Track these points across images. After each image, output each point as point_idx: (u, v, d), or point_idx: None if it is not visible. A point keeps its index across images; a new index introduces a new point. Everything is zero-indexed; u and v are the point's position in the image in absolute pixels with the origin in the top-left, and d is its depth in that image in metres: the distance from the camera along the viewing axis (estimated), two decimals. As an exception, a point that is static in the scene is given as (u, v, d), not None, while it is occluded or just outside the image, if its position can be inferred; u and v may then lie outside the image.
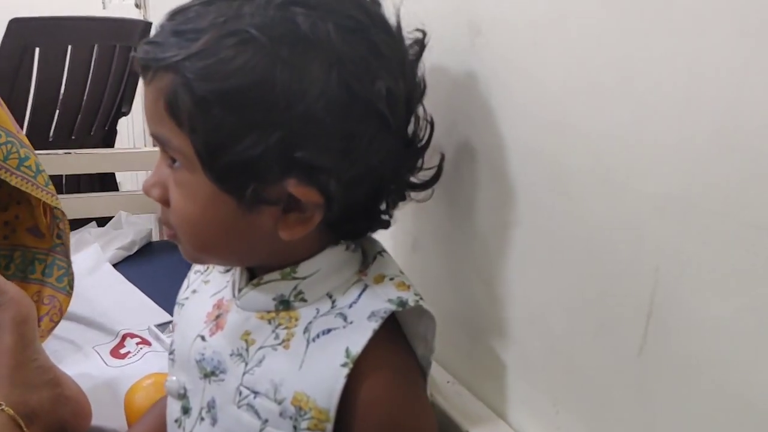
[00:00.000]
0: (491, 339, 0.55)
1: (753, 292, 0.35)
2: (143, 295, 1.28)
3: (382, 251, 0.52)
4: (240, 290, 0.52)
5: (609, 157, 0.42)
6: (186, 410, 0.55)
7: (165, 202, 0.48)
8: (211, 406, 0.52)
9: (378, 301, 0.47)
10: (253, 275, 0.52)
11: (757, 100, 0.33)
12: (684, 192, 0.37)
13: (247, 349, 0.50)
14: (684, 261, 0.38)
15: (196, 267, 0.62)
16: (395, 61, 0.46)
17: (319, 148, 0.43)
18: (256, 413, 0.48)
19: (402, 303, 0.47)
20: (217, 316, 0.54)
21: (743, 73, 0.34)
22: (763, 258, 0.34)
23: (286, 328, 0.49)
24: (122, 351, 1.06)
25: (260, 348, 0.49)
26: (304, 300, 0.49)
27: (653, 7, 0.39)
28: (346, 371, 0.45)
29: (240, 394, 0.50)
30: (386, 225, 0.51)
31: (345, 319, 0.47)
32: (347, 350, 0.46)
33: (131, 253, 1.50)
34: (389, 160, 0.47)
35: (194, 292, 0.60)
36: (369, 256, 0.52)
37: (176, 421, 0.56)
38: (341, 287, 0.49)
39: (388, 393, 0.47)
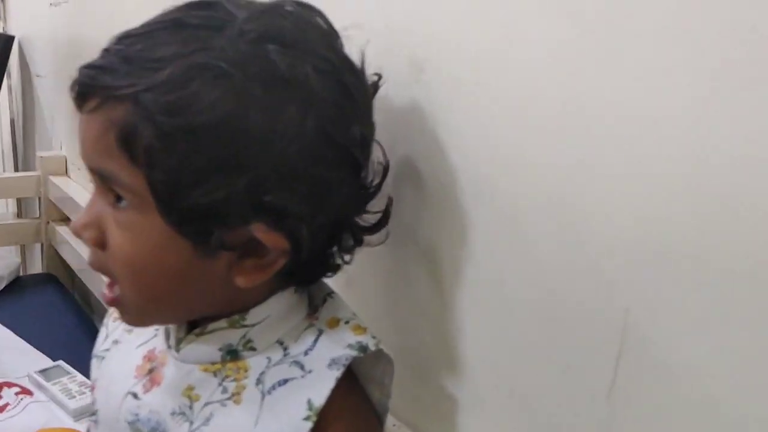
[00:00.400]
0: (439, 379, 0.53)
1: (725, 335, 0.35)
2: (17, 337, 1.17)
3: (330, 293, 0.50)
4: (179, 341, 0.48)
5: (569, 198, 0.42)
6: None
7: (100, 245, 0.44)
8: None
9: (337, 347, 0.45)
10: (192, 324, 0.48)
11: (722, 139, 0.34)
12: (652, 236, 0.37)
13: (191, 407, 0.46)
14: (655, 303, 0.38)
15: (116, 314, 0.57)
16: (364, 104, 0.45)
17: (290, 192, 0.41)
18: None
19: (362, 348, 0.45)
20: (150, 370, 0.49)
21: (705, 111, 0.35)
22: (735, 300, 0.35)
23: (235, 380, 0.46)
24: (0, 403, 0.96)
25: (206, 404, 0.46)
26: (253, 348, 0.46)
27: (605, 38, 0.39)
28: (309, 425, 0.43)
29: None
30: (336, 269, 0.49)
31: (302, 368, 0.45)
32: (309, 402, 0.43)
33: (-1, 289, 1.37)
34: (350, 205, 0.46)
35: (115, 342, 0.55)
36: (317, 299, 0.49)
37: None
38: (292, 333, 0.47)
39: None
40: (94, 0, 1.28)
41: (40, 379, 1.00)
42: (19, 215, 1.69)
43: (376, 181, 0.48)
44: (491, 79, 0.46)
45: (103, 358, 0.55)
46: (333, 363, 0.45)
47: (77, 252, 1.36)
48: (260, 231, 0.41)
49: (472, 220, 0.49)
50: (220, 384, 0.46)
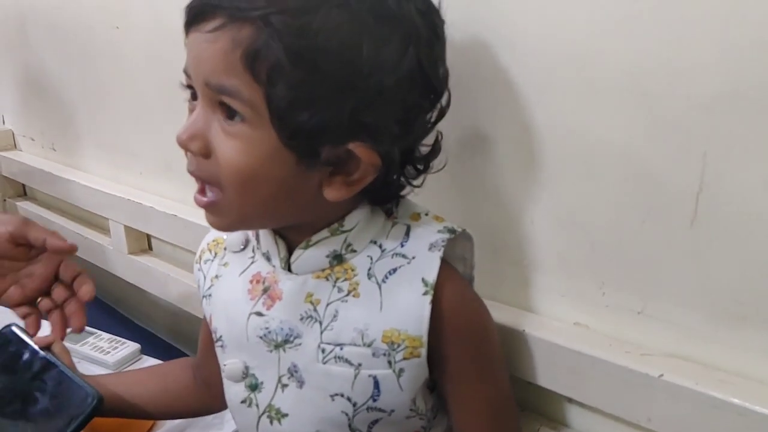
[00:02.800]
0: (518, 249, 0.62)
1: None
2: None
3: (400, 195, 0.56)
4: (284, 259, 0.54)
5: (646, 74, 0.50)
6: (254, 387, 0.56)
7: (206, 154, 0.47)
8: (293, 371, 0.54)
9: (429, 234, 0.53)
10: (288, 244, 0.54)
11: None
12: (729, 88, 0.47)
13: (315, 309, 0.53)
14: (730, 143, 0.48)
15: (205, 256, 0.62)
16: (444, 45, 0.51)
17: (388, 115, 0.47)
18: (347, 362, 0.51)
19: (451, 231, 0.53)
20: (265, 290, 0.55)
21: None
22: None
23: (346, 279, 0.52)
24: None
25: (328, 304, 0.52)
26: (354, 251, 0.53)
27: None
28: (429, 298, 0.50)
29: (323, 351, 0.52)
30: (400, 194, 0.55)
31: (404, 257, 0.52)
32: (423, 280, 0.51)
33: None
34: (424, 133, 0.52)
35: (216, 277, 0.60)
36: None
37: (244, 401, 0.57)
38: (381, 233, 0.53)
39: (466, 301, 0.54)
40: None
41: (65, 343, 1.01)
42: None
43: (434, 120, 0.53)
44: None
45: (210, 295, 0.60)
46: (432, 246, 0.52)
47: (48, 221, 1.33)
48: (359, 148, 0.46)
49: (550, 90, 0.57)
50: (334, 285, 0.52)
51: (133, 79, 1.06)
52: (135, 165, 1.11)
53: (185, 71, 0.49)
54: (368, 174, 0.48)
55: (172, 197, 1.03)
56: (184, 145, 0.48)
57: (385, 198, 0.54)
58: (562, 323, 0.61)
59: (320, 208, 0.51)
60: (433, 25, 0.49)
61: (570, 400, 0.62)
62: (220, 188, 0.48)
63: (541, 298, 0.63)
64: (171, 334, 1.16)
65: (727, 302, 0.51)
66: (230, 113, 0.46)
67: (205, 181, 0.49)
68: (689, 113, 0.49)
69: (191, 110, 0.49)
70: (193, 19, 0.46)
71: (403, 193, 0.55)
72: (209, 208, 0.50)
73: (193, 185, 0.51)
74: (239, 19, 0.43)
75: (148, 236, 1.13)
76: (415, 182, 0.54)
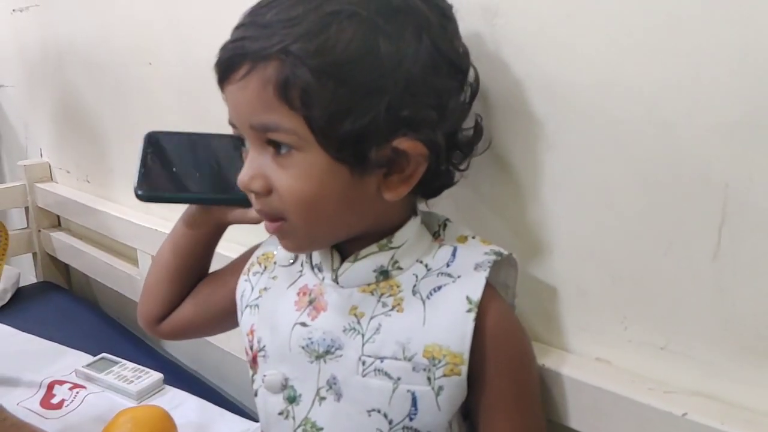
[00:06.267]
0: (536, 280, 0.61)
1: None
2: (44, 340, 1.18)
3: (446, 219, 0.57)
4: (334, 271, 0.55)
5: (665, 103, 0.50)
6: (292, 399, 0.56)
7: (268, 191, 0.50)
8: (331, 383, 0.54)
9: (475, 255, 0.53)
10: (341, 256, 0.55)
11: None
12: (749, 118, 0.46)
13: (359, 322, 0.53)
14: (753, 174, 0.47)
15: (254, 269, 0.62)
16: (456, 25, 0.53)
17: (421, 104, 0.48)
18: (386, 375, 0.51)
19: (498, 253, 0.53)
20: (310, 301, 0.56)
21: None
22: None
23: (391, 295, 0.53)
24: (54, 401, 0.98)
25: (372, 318, 0.53)
26: (400, 268, 0.53)
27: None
28: (473, 315, 0.50)
29: (363, 363, 0.52)
30: (451, 183, 0.56)
31: (450, 276, 0.52)
32: (468, 298, 0.51)
33: (4, 302, 1.36)
34: (461, 116, 0.54)
35: (264, 289, 0.61)
36: (434, 226, 0.57)
37: (281, 413, 0.56)
38: (427, 253, 0.54)
39: (509, 323, 0.54)
40: (68, 2, 1.27)
41: (90, 372, 1.02)
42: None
43: (468, 100, 0.55)
44: (585, 11, 0.53)
45: (257, 305, 0.60)
46: (478, 266, 0.52)
47: (80, 251, 1.36)
48: (403, 143, 0.48)
49: (565, 134, 0.56)
50: (378, 300, 0.53)
51: (163, 114, 1.09)
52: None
53: (231, 123, 0.52)
54: (420, 165, 0.49)
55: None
56: (246, 187, 0.51)
57: (437, 189, 0.55)
58: (583, 358, 0.59)
59: (383, 214, 0.52)
60: (439, 9, 0.51)
61: (591, 439, 0.60)
62: (286, 219, 0.50)
63: (560, 332, 0.61)
64: (194, 364, 1.16)
65: (753, 338, 0.49)
66: (279, 147, 0.49)
67: (272, 218, 0.51)
68: (709, 143, 0.48)
69: (246, 157, 0.51)
70: (224, 73, 0.49)
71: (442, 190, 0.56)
72: (280, 233, 0.52)
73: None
74: (262, 59, 0.46)
75: (175, 267, 1.14)
76: (461, 166, 0.55)
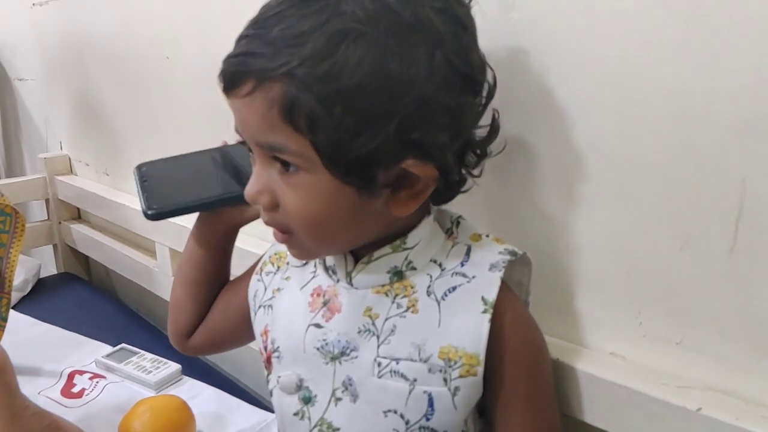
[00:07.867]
0: (552, 275, 0.61)
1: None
2: (64, 330, 1.19)
3: (459, 217, 0.57)
4: (348, 273, 0.54)
5: (683, 98, 0.49)
6: (308, 400, 0.56)
7: (274, 207, 0.50)
8: (347, 384, 0.54)
9: (490, 254, 0.53)
10: (355, 257, 0.54)
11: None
12: (765, 112, 0.46)
13: (373, 323, 0.53)
14: (770, 169, 0.46)
15: (267, 268, 0.62)
16: (473, 30, 0.51)
17: (432, 125, 0.47)
18: (403, 376, 0.51)
19: (512, 253, 0.53)
20: (324, 303, 0.56)
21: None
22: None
23: (405, 296, 0.53)
24: (75, 390, 0.99)
25: (387, 319, 0.53)
26: (414, 269, 0.53)
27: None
28: (488, 316, 0.50)
29: (379, 365, 0.52)
30: (463, 185, 0.55)
31: (465, 276, 0.52)
32: (483, 298, 0.51)
33: (25, 293, 1.38)
34: (474, 124, 0.52)
35: (278, 290, 0.61)
36: (446, 224, 0.56)
37: (296, 414, 0.57)
38: (441, 252, 0.54)
39: (525, 323, 0.54)
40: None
41: (109, 362, 1.04)
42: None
43: (484, 102, 0.53)
44: (603, 6, 0.53)
45: (270, 306, 0.60)
46: (493, 267, 0.52)
47: (99, 243, 1.38)
48: (412, 166, 0.47)
49: (586, 127, 0.56)
50: (393, 301, 0.53)
51: (181, 107, 1.09)
52: (181, 189, 1.14)
53: (236, 130, 0.51)
54: (429, 186, 0.49)
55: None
56: (253, 200, 0.50)
57: (450, 196, 0.55)
58: (598, 353, 0.59)
59: (394, 221, 0.51)
60: (455, 17, 0.48)
61: (605, 433, 0.61)
62: (293, 233, 0.51)
63: (575, 327, 0.61)
64: (212, 356, 1.17)
65: (770, 333, 0.49)
66: (286, 165, 0.48)
67: (279, 230, 0.52)
68: (726, 137, 0.48)
69: (253, 161, 0.51)
70: (228, 87, 0.48)
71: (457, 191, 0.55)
72: (288, 243, 0.53)
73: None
74: (267, 79, 0.45)
75: (193, 259, 1.15)
76: (475, 171, 0.54)
